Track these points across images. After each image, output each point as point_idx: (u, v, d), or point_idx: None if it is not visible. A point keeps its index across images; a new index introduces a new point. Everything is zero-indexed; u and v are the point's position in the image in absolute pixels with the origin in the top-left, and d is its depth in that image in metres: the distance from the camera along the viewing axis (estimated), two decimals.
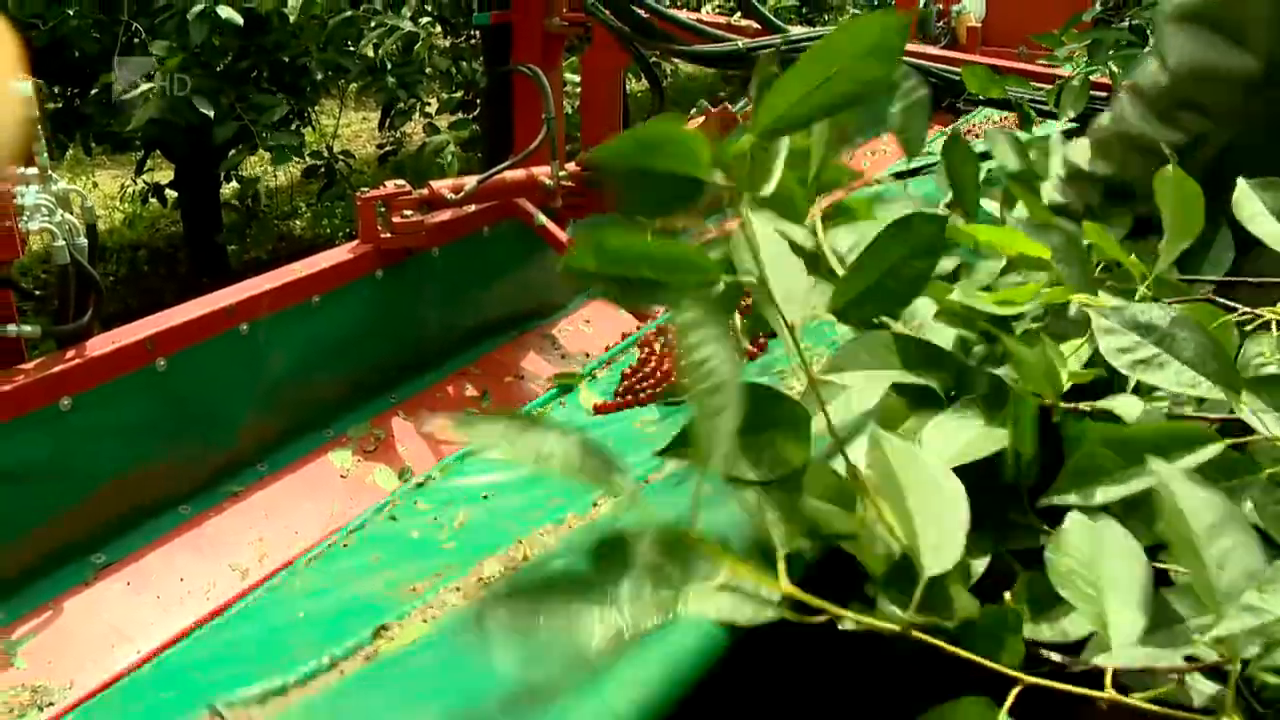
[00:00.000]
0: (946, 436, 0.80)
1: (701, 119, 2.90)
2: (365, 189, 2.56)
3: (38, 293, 2.35)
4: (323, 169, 5.03)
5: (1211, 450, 0.76)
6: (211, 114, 4.01)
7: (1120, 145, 1.32)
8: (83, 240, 2.08)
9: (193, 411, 2.14)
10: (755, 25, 2.57)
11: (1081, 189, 1.38)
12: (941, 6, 5.90)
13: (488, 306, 2.88)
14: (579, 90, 3.24)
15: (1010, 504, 0.81)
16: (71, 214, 2.07)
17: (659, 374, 1.90)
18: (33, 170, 2.05)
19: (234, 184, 5.60)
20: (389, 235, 2.49)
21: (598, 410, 1.83)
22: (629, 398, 1.85)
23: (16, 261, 2.03)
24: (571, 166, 2.94)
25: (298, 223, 6.41)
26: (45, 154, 2.05)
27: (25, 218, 1.98)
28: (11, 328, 1.99)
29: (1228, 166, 1.16)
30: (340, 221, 6.02)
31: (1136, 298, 1.00)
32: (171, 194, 5.43)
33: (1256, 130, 1.23)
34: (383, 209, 2.49)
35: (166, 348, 2.09)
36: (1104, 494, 0.76)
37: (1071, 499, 0.76)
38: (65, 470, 1.97)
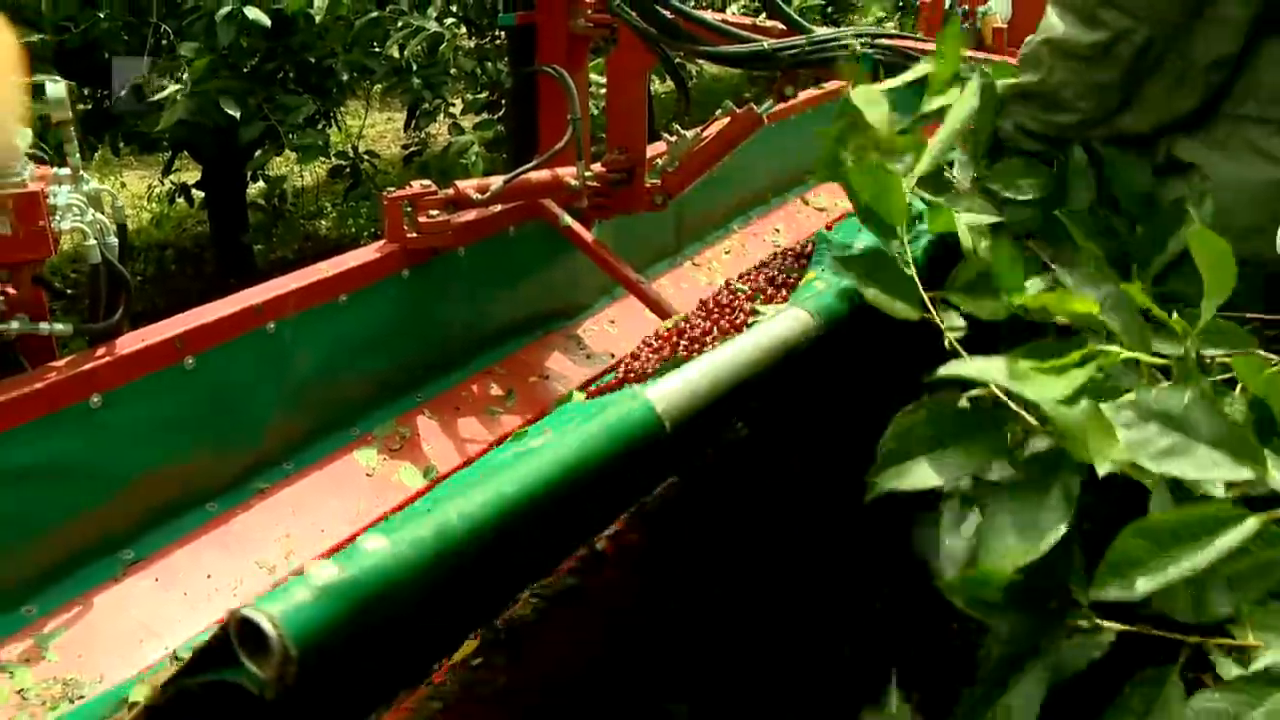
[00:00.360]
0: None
1: (727, 120, 2.90)
2: (391, 189, 2.57)
3: (69, 291, 2.37)
4: (348, 169, 5.06)
5: (1246, 530, 0.77)
6: (238, 115, 4.03)
7: (1048, 52, 1.37)
8: (113, 239, 2.10)
9: (220, 409, 2.16)
10: (780, 26, 2.56)
11: (1018, 108, 1.44)
12: (968, 8, 5.87)
13: (513, 306, 2.89)
14: (604, 91, 3.24)
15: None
16: (102, 213, 2.10)
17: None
18: (65, 170, 2.07)
19: (260, 184, 5.63)
20: (415, 235, 2.50)
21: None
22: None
23: (48, 260, 2.05)
24: (597, 167, 2.95)
25: (323, 223, 6.44)
26: (77, 154, 2.08)
27: (58, 217, 2.00)
28: (44, 325, 2.01)
29: (1148, 60, 1.27)
30: (365, 221, 6.04)
31: (1183, 351, 1.00)
32: (198, 194, 5.46)
33: (1171, 23, 1.27)
34: (409, 209, 2.50)
35: (195, 346, 2.11)
36: (1144, 584, 0.77)
37: (1113, 592, 0.77)
38: (95, 467, 1.98)
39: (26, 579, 1.92)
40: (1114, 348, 0.94)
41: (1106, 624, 0.81)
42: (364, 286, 2.42)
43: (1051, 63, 1.37)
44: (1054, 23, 1.36)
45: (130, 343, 2.06)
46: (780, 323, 1.16)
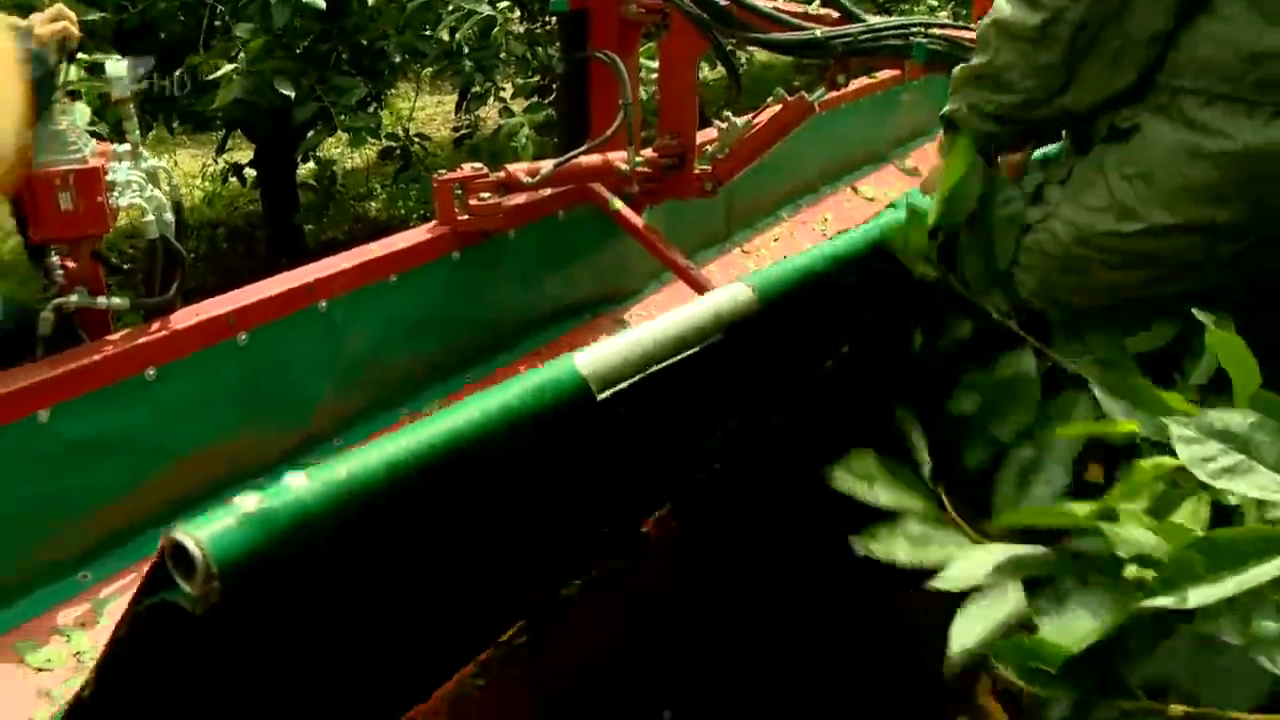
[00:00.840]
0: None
1: (778, 108, 2.90)
2: (442, 171, 2.59)
3: (125, 267, 2.40)
4: (399, 151, 5.08)
5: None
6: (292, 95, 4.06)
7: (995, 34, 1.39)
8: (170, 216, 2.13)
9: (271, 386, 2.19)
10: (834, 14, 2.56)
11: (969, 90, 1.47)
12: None
13: (561, 290, 2.90)
14: (654, 77, 3.24)
15: None
16: (160, 190, 2.13)
17: None
18: (124, 147, 2.11)
19: (311, 165, 5.67)
20: (466, 217, 2.52)
21: None
22: None
23: (104, 236, 2.09)
24: (648, 152, 2.95)
25: (373, 204, 6.48)
26: (136, 131, 2.11)
27: (116, 193, 2.04)
28: (101, 299, 2.05)
29: (1085, 38, 1.31)
30: (415, 203, 6.07)
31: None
32: (250, 173, 5.51)
33: (1107, 1, 1.30)
34: (459, 191, 2.52)
35: (248, 322, 2.14)
36: (1195, 597, 0.77)
37: (1163, 601, 0.78)
38: (149, 441, 2.02)
39: (83, 547, 1.96)
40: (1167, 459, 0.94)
41: (1155, 705, 0.82)
42: (415, 267, 2.44)
43: (998, 44, 1.39)
44: (1001, 4, 1.39)
45: (185, 318, 2.09)
46: (718, 295, 1.17)
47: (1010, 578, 0.90)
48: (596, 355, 0.98)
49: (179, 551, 0.68)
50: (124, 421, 1.97)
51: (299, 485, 0.74)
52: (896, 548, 0.99)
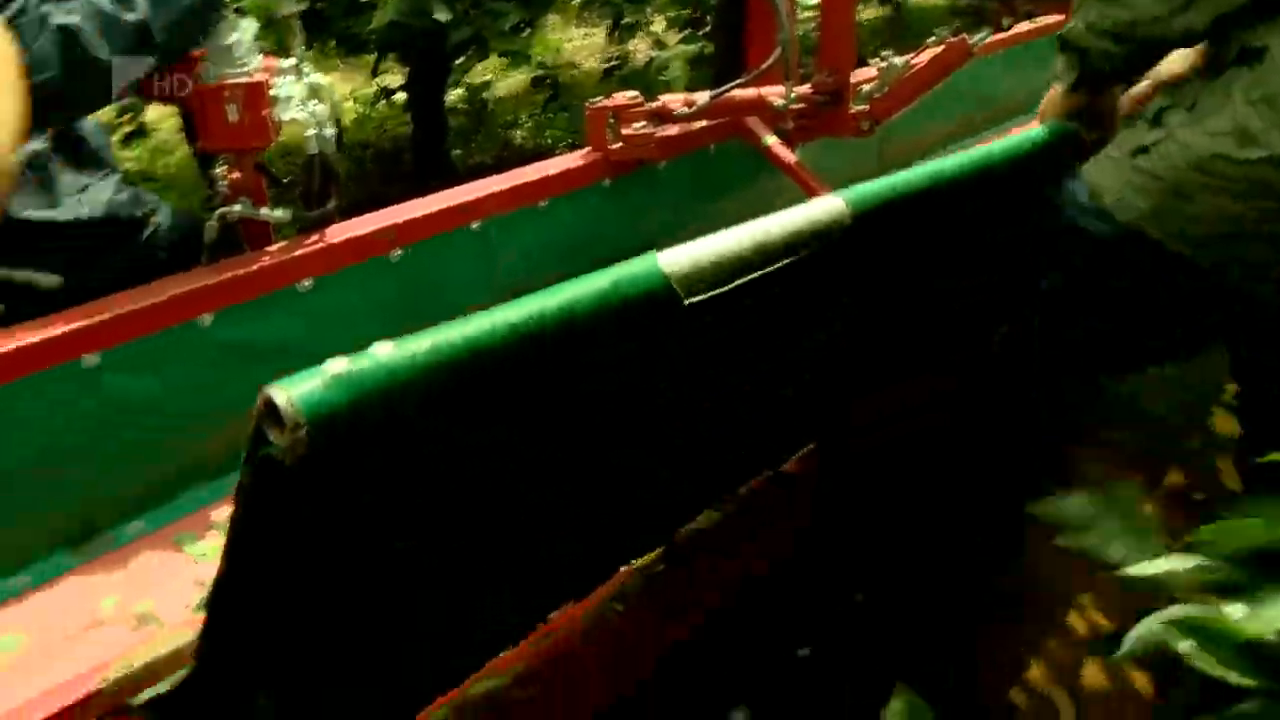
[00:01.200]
0: None
1: (938, 49, 2.82)
2: (597, 99, 2.58)
3: (285, 180, 2.45)
4: (548, 80, 5.11)
5: None
6: (447, 18, 4.09)
7: None
8: (330, 131, 2.17)
9: (424, 303, 2.22)
10: None
11: (1090, 6, 1.43)
12: None
13: (710, 222, 2.86)
14: (809, 14, 3.18)
15: None
16: (321, 106, 2.16)
17: None
18: (288, 63, 2.14)
19: (461, 90, 5.73)
20: (618, 145, 2.51)
21: None
22: None
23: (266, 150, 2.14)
24: (804, 89, 2.90)
25: (518, 132, 6.52)
26: (301, 47, 2.15)
27: (279, 107, 2.08)
28: (264, 210, 2.09)
29: None
30: (561, 133, 6.09)
31: None
32: (400, 97, 5.58)
33: None
34: (613, 119, 2.51)
35: (402, 239, 2.17)
36: None
37: None
38: (303, 350, 2.06)
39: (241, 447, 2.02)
40: None
41: None
42: (567, 192, 2.45)
43: None
44: None
45: (341, 232, 2.13)
46: (810, 207, 1.14)
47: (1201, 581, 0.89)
48: (679, 254, 0.98)
49: (271, 407, 0.74)
50: (280, 329, 2.02)
51: (385, 353, 0.80)
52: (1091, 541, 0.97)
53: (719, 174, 2.84)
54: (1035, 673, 1.60)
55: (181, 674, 0.99)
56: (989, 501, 1.71)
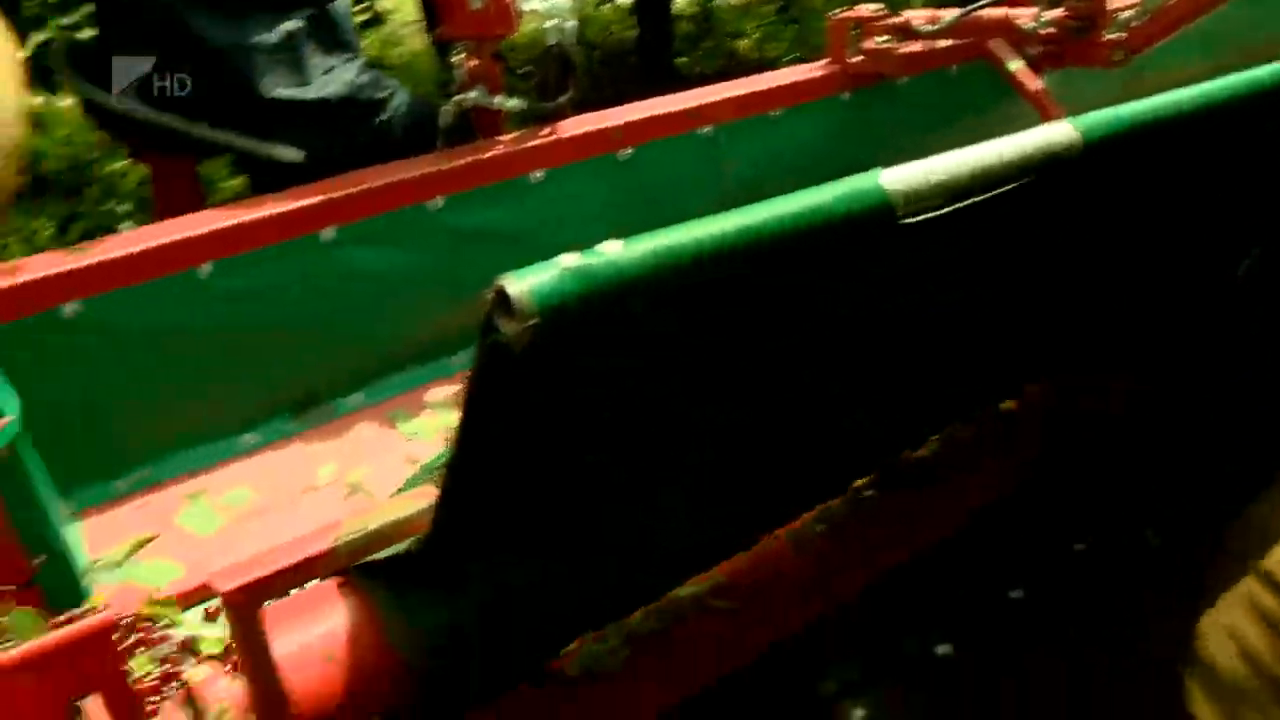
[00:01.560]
0: None
1: None
2: (838, 10, 2.50)
3: (520, 71, 2.46)
4: None
5: None
6: None
7: None
8: (570, 23, 2.16)
9: (651, 205, 2.20)
10: None
11: None
12: None
13: (946, 145, 2.77)
14: None
15: None
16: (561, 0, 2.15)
17: None
18: None
19: None
20: (859, 59, 2.43)
21: None
22: None
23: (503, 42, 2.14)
24: (1055, 13, 2.75)
25: (743, 43, 6.42)
26: None
27: None
28: (499, 99, 2.10)
29: None
30: (788, 45, 5.97)
31: None
32: (627, 0, 5.55)
33: None
34: (856, 30, 2.44)
35: (632, 138, 2.15)
36: None
37: None
38: (530, 240, 2.08)
39: (461, 331, 2.04)
40: None
41: None
42: (802, 103, 2.39)
43: None
44: None
45: (573, 127, 2.12)
46: (1039, 133, 1.07)
47: None
48: (902, 172, 0.95)
49: (503, 297, 0.77)
50: (508, 218, 2.04)
51: (614, 250, 0.81)
52: None
53: (960, 96, 2.72)
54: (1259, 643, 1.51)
55: (409, 542, 1.02)
56: (1225, 455, 1.62)
